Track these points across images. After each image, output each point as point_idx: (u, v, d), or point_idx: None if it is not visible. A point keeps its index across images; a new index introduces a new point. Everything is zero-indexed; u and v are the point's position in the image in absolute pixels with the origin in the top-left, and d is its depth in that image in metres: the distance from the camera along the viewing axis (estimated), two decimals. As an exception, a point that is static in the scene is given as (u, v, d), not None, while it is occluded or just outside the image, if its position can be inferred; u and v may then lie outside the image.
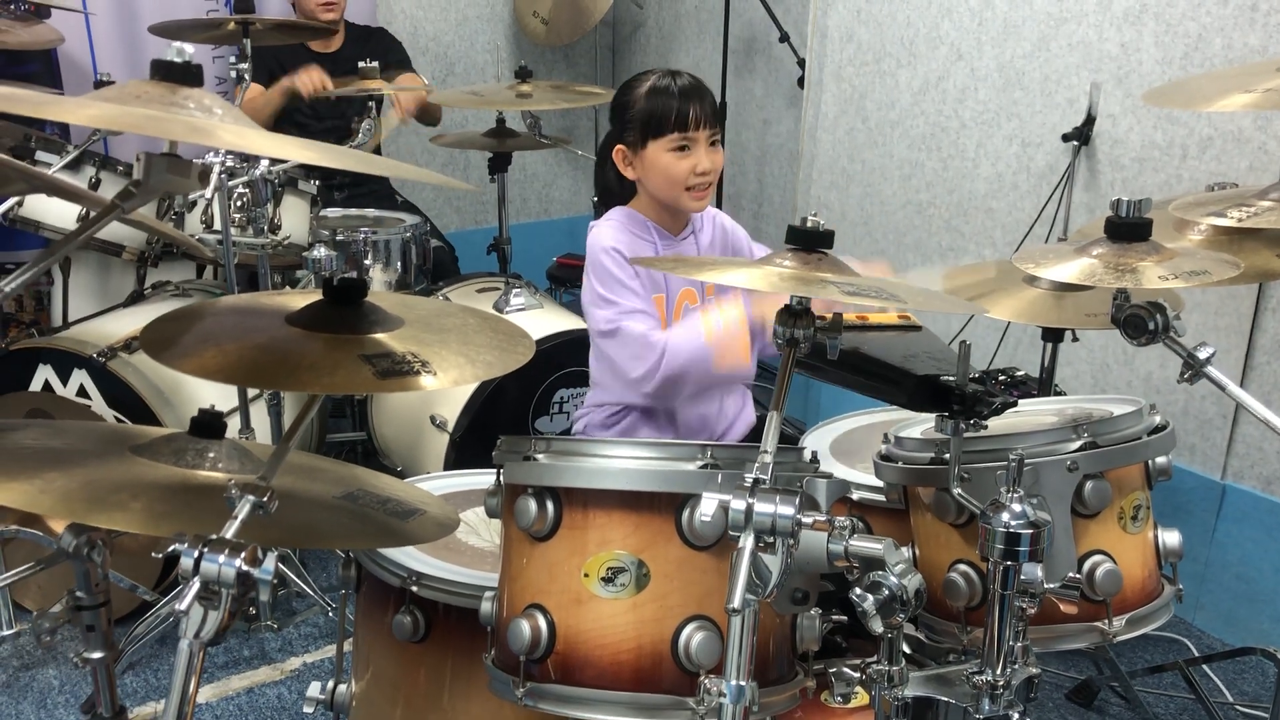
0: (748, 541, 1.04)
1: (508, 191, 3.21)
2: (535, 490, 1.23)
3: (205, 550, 1.03)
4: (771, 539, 1.04)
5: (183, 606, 1.03)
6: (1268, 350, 2.46)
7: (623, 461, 1.21)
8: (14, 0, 2.93)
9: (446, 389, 2.57)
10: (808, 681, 1.27)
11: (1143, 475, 1.43)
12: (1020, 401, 1.65)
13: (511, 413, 2.65)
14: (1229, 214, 1.53)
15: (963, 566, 1.39)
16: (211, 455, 1.33)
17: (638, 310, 1.88)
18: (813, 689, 1.28)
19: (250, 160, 2.44)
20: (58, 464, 1.23)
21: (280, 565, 2.47)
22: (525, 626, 1.20)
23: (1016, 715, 1.24)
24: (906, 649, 1.34)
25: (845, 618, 1.31)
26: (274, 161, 2.50)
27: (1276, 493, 2.50)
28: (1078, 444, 1.34)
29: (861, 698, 1.34)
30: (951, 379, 1.28)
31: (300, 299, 1.28)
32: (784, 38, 3.70)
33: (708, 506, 1.06)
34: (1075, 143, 2.72)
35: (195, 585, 1.03)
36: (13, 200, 2.67)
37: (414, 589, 1.47)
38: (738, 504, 1.04)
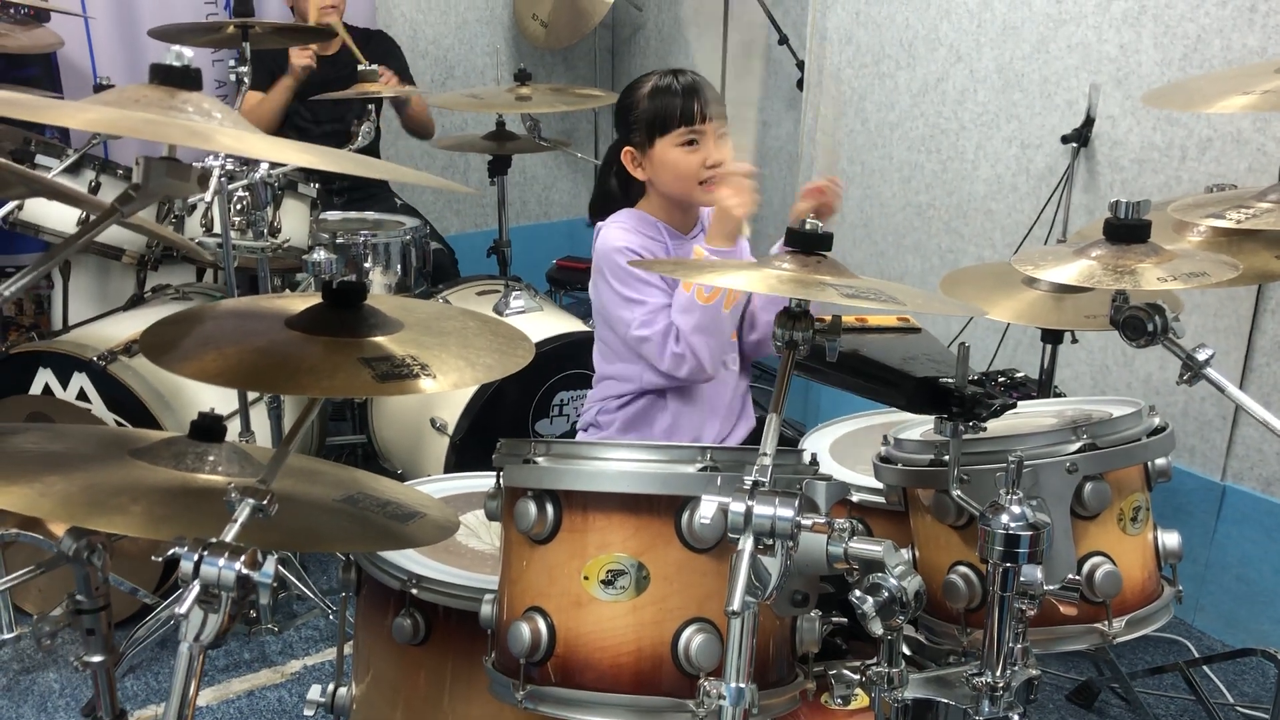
0: (747, 544, 1.04)
1: (507, 194, 3.22)
2: (535, 493, 1.23)
3: (205, 553, 1.03)
4: (771, 541, 1.04)
5: (182, 610, 1.03)
6: (1267, 351, 2.46)
7: (622, 464, 1.21)
8: (14, 4, 2.93)
9: (446, 392, 2.57)
10: (807, 684, 1.27)
11: (1142, 477, 1.42)
12: (1019, 403, 1.66)
13: (511, 415, 2.65)
14: (1228, 215, 1.54)
15: (962, 568, 1.39)
16: (211, 459, 1.33)
17: (664, 306, 1.89)
18: (812, 691, 1.28)
19: (250, 164, 2.44)
20: (58, 467, 1.23)
21: (280, 568, 2.49)
22: (525, 629, 1.20)
23: (1016, 717, 1.24)
24: (906, 651, 1.34)
25: (845, 620, 1.32)
26: (274, 165, 2.50)
27: (1276, 494, 2.50)
28: (1077, 446, 1.34)
29: (861, 700, 1.34)
30: (950, 381, 1.29)
31: (300, 302, 1.28)
32: (783, 40, 3.71)
33: (707, 509, 1.06)
34: (1074, 144, 2.72)
35: (195, 588, 1.03)
36: (13, 204, 2.67)
37: (414, 592, 1.47)
38: (737, 506, 1.04)
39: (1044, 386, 2.36)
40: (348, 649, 1.67)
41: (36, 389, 2.43)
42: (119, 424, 2.38)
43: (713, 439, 2.03)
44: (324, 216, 3.12)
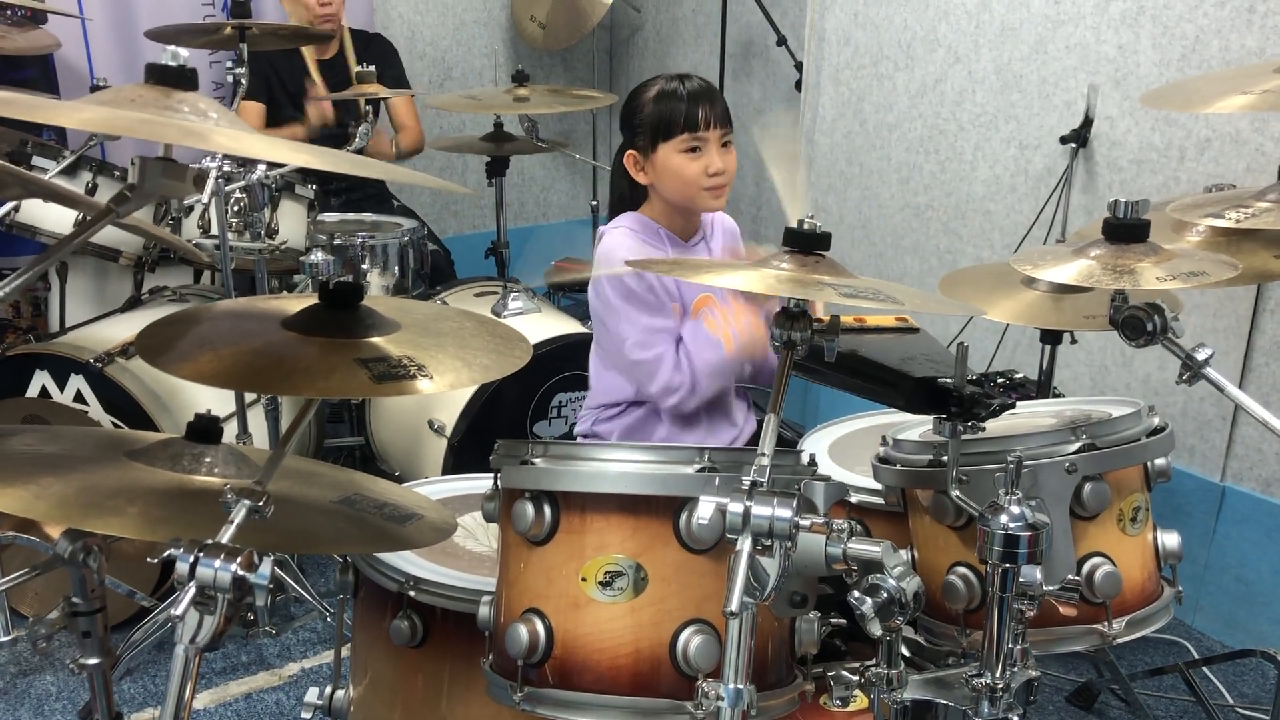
0: (745, 544, 1.03)
1: (505, 195, 3.22)
2: (532, 494, 1.23)
3: (201, 555, 1.03)
4: (769, 542, 1.03)
5: (178, 612, 1.02)
6: (1266, 351, 2.46)
7: (620, 465, 1.21)
8: (11, 6, 2.93)
9: (444, 393, 2.57)
10: (806, 685, 1.27)
11: (1142, 477, 1.42)
12: (1018, 403, 1.65)
13: (509, 417, 2.65)
14: (1227, 215, 1.53)
15: (961, 569, 1.39)
16: (208, 460, 1.33)
17: (663, 330, 1.90)
18: (811, 692, 1.28)
19: (247, 165, 2.44)
20: (54, 469, 1.23)
21: (278, 570, 2.48)
22: (523, 631, 1.20)
23: (1016, 718, 1.24)
24: (905, 652, 1.34)
25: (844, 621, 1.31)
26: (271, 166, 2.50)
27: (1276, 494, 2.49)
28: (1076, 446, 1.34)
29: (860, 701, 1.34)
30: (949, 381, 1.28)
31: (296, 303, 1.28)
32: (781, 41, 3.71)
33: (705, 510, 1.06)
34: (1073, 145, 2.72)
35: (191, 590, 1.02)
36: (9, 205, 2.67)
37: (412, 594, 1.47)
38: (735, 507, 1.04)
39: (1043, 387, 2.35)
40: (345, 651, 1.66)
41: (33, 391, 2.43)
42: (116, 426, 2.38)
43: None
44: (321, 218, 3.12)
